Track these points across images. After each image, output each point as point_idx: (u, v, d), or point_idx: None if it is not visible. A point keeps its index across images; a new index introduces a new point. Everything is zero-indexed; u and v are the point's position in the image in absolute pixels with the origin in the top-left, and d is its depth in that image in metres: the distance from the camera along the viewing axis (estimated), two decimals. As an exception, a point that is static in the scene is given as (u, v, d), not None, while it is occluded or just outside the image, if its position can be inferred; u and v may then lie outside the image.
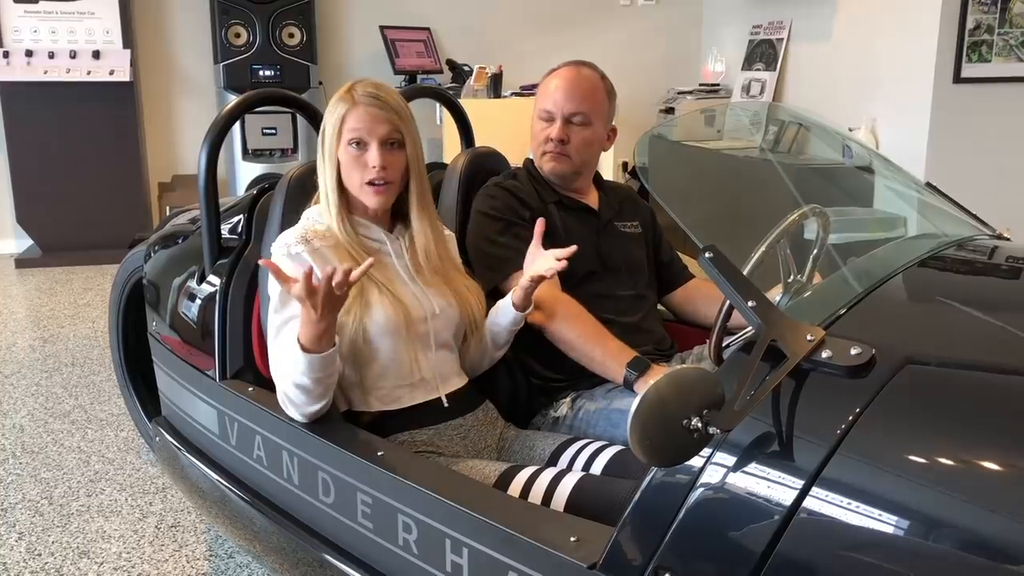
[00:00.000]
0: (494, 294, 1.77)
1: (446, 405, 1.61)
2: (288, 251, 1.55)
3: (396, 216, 1.68)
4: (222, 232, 1.95)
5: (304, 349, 1.42)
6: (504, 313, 1.67)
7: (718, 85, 5.64)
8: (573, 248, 1.59)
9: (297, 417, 1.52)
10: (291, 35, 5.23)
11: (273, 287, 1.54)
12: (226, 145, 4.86)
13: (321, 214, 1.63)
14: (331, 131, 1.58)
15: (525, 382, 1.83)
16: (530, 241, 1.83)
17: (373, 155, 1.55)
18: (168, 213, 2.76)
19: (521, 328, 1.72)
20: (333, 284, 1.35)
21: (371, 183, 1.57)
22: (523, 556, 1.15)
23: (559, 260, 1.57)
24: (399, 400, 1.59)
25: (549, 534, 1.15)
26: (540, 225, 1.68)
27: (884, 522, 0.90)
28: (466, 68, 5.37)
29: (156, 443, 2.13)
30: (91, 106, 5.03)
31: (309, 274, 1.35)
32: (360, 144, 1.56)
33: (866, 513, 0.91)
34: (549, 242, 1.86)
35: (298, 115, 4.64)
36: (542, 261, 1.61)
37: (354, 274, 1.38)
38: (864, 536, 0.91)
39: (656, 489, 1.04)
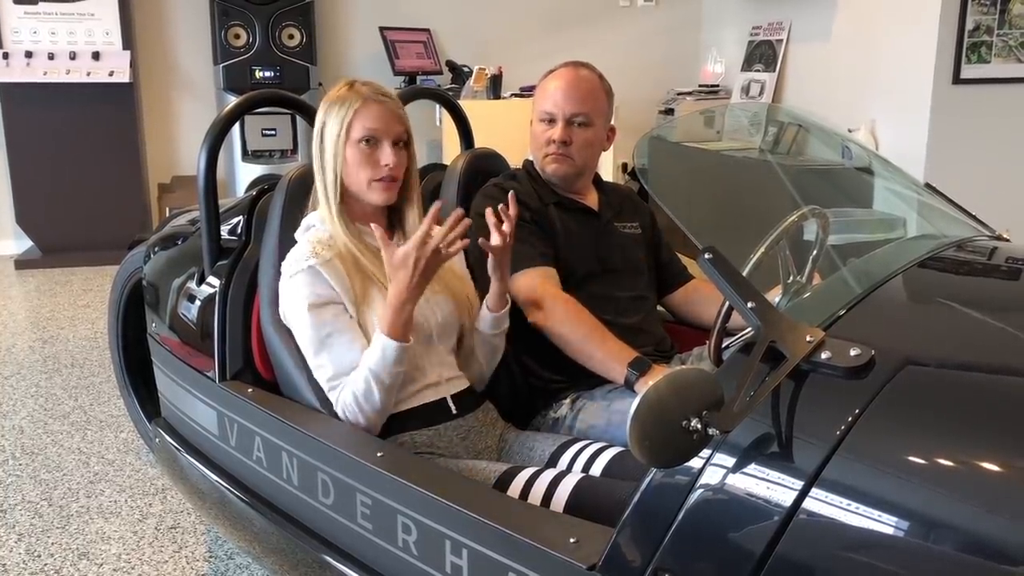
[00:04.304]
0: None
1: (454, 411, 1.61)
2: (302, 267, 1.55)
3: (391, 222, 1.69)
4: (222, 233, 1.95)
5: (390, 336, 1.47)
6: (483, 320, 1.68)
7: (717, 86, 5.65)
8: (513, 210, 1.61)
9: (366, 421, 1.53)
10: (291, 36, 5.24)
11: (299, 304, 1.55)
12: (226, 146, 4.88)
13: (322, 219, 1.63)
14: (337, 128, 1.58)
15: (525, 383, 1.83)
16: (531, 241, 1.83)
17: (387, 153, 1.58)
18: (168, 214, 2.76)
19: (521, 328, 1.72)
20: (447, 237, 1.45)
21: (380, 179, 1.59)
22: (523, 557, 1.15)
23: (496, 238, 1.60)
24: (403, 403, 1.59)
25: (549, 535, 1.15)
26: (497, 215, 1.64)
27: (884, 523, 0.90)
28: (466, 69, 5.37)
29: (156, 444, 2.13)
30: (91, 107, 5.03)
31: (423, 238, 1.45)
32: (371, 142, 1.58)
33: (866, 514, 0.91)
34: (549, 243, 1.87)
35: (298, 116, 4.64)
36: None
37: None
38: (864, 537, 0.91)
39: (655, 490, 1.04)
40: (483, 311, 1.68)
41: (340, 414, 1.54)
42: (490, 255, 1.62)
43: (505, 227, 1.60)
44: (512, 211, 1.62)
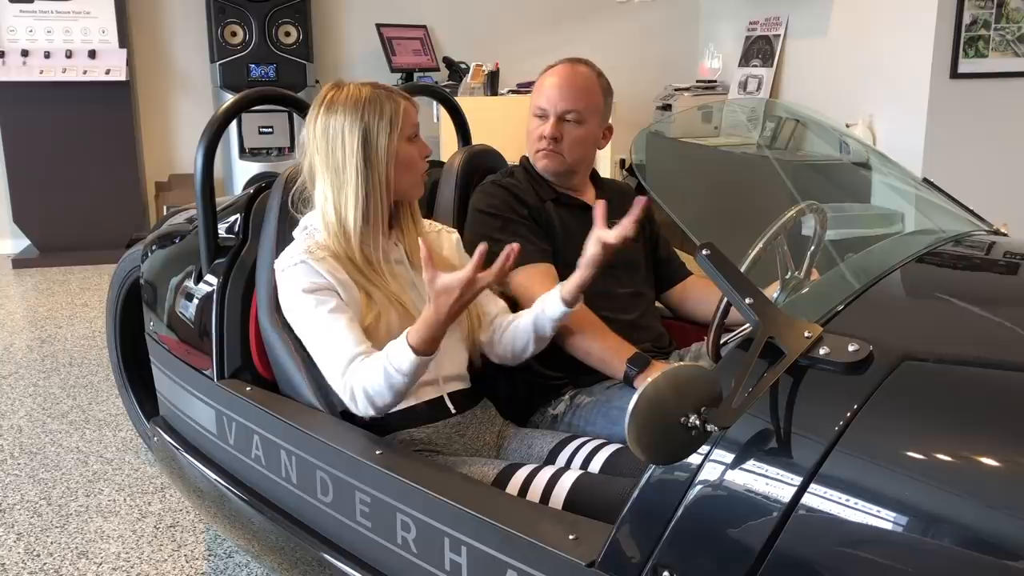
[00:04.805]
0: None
1: (453, 411, 1.61)
2: (295, 262, 1.54)
3: (391, 224, 1.67)
4: (219, 231, 1.94)
5: (417, 351, 1.40)
6: (552, 307, 1.60)
7: (715, 82, 5.64)
8: (633, 214, 1.49)
9: (370, 413, 1.48)
10: (287, 33, 5.23)
11: (295, 291, 1.53)
12: (223, 144, 4.83)
13: (325, 227, 1.59)
14: (388, 130, 1.54)
15: (524, 380, 1.82)
16: (529, 238, 1.83)
17: (423, 144, 1.61)
18: (165, 212, 2.75)
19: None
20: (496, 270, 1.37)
21: (422, 173, 1.62)
22: (522, 554, 1.15)
23: (607, 243, 1.54)
24: (402, 401, 1.58)
25: (548, 532, 1.15)
26: (600, 208, 1.59)
27: (882, 518, 0.90)
28: (463, 66, 5.36)
29: (154, 443, 2.13)
30: (87, 106, 5.03)
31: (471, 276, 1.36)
32: (414, 139, 1.60)
33: (864, 509, 0.91)
34: (547, 240, 1.87)
35: (294, 114, 4.63)
36: (591, 244, 1.57)
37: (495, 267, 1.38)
38: (862, 532, 0.91)
39: (654, 487, 1.04)
40: (554, 299, 1.60)
41: (348, 402, 1.50)
42: (599, 248, 1.56)
43: (627, 221, 1.51)
44: (633, 217, 1.53)
